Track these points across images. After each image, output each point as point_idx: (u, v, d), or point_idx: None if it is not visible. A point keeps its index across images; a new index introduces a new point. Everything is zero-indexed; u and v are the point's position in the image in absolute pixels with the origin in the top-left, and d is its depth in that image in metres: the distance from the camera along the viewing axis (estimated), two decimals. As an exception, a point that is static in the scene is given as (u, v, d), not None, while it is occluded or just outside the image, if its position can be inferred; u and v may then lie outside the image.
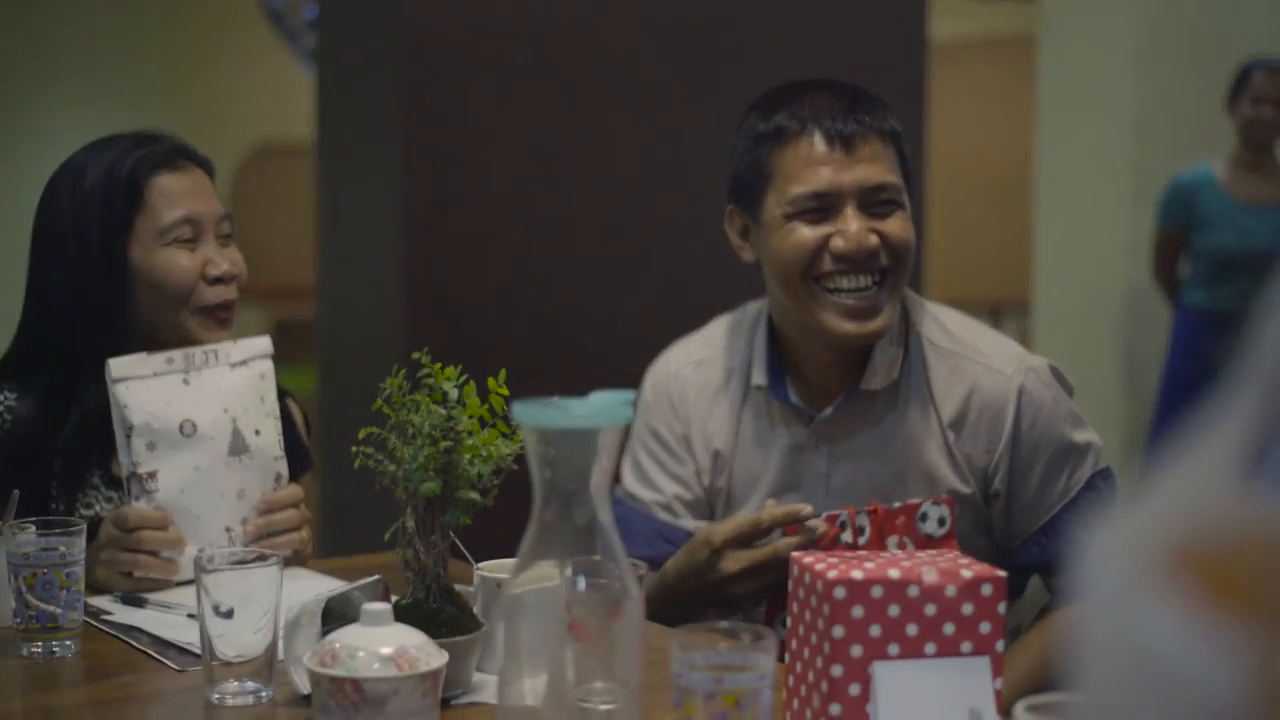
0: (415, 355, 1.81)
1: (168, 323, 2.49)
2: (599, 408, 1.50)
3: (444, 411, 1.76)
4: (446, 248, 3.66)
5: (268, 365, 2.48)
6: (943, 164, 5.18)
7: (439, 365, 1.80)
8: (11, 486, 2.20)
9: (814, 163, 2.30)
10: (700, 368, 2.50)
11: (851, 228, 2.28)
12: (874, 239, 2.29)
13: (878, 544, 2.28)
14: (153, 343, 2.45)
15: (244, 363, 2.46)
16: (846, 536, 2.28)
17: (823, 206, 2.30)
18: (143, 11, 9.09)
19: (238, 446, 2.42)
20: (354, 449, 1.81)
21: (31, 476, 2.39)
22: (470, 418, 1.78)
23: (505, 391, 1.78)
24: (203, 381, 2.42)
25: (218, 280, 2.50)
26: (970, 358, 2.36)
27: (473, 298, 3.65)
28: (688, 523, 2.46)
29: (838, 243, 2.29)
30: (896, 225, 2.31)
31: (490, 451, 1.77)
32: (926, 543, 2.29)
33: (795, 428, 2.41)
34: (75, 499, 2.46)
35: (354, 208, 3.90)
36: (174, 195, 2.48)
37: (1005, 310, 7.48)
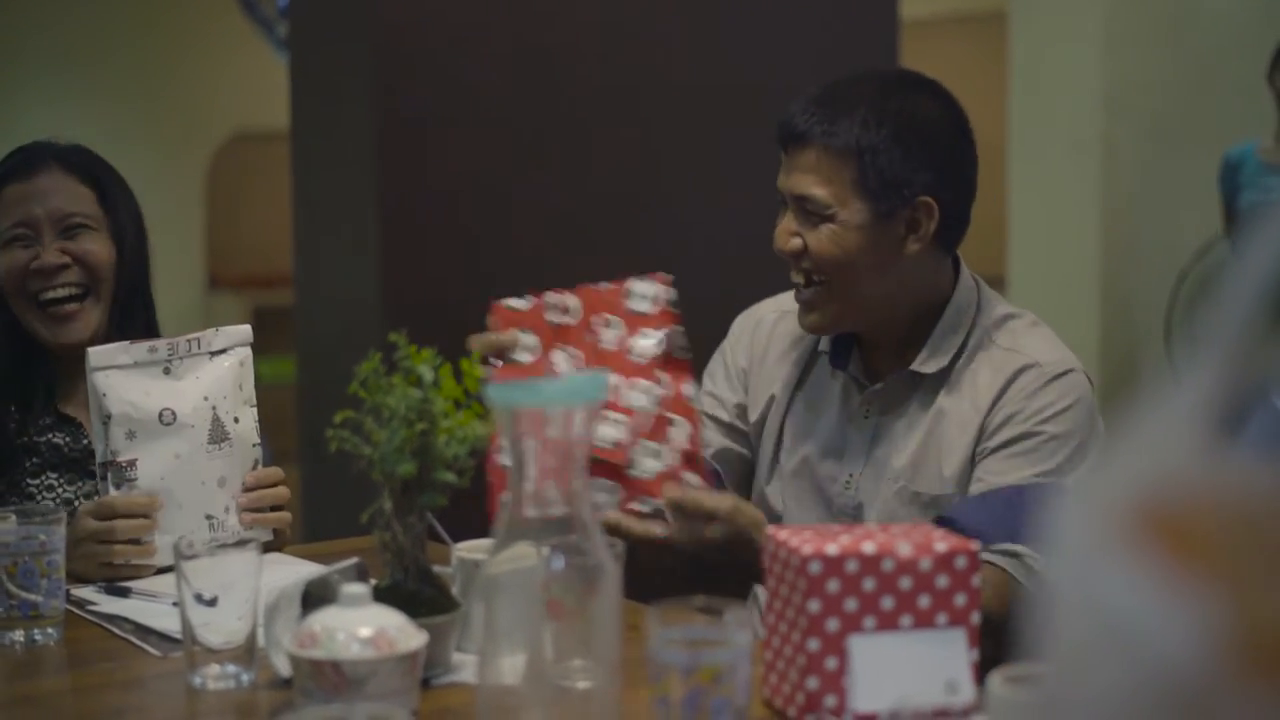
0: (392, 337, 1.81)
1: (24, 320, 2.64)
2: (571, 388, 1.52)
3: (419, 394, 1.77)
4: (423, 233, 3.66)
5: (247, 353, 2.51)
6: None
7: (414, 348, 1.81)
8: None
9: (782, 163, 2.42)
10: (783, 319, 2.58)
11: (778, 227, 2.41)
12: (795, 242, 2.38)
13: (585, 324, 2.36)
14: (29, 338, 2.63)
15: (224, 351, 2.49)
16: (553, 317, 2.37)
17: (783, 200, 2.41)
18: (114, 1, 9.07)
19: (218, 434, 2.43)
20: (329, 432, 1.82)
21: None
22: (445, 400, 1.79)
23: (479, 373, 1.79)
24: (184, 370, 2.45)
25: (39, 272, 2.61)
26: (1019, 352, 2.40)
27: (449, 282, 3.66)
28: (714, 436, 2.57)
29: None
30: (817, 238, 2.37)
31: (465, 433, 1.78)
32: (637, 319, 2.36)
33: (850, 396, 2.49)
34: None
35: (329, 195, 3.90)
36: (13, 204, 2.66)
37: (980, 287, 7.51)
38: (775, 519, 2.49)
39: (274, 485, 2.49)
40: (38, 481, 2.60)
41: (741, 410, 2.59)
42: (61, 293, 2.63)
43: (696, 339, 2.39)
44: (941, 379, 2.42)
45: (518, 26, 3.73)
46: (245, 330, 2.53)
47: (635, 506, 2.24)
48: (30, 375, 2.65)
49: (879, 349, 2.48)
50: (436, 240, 3.67)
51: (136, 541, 2.35)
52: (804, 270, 2.40)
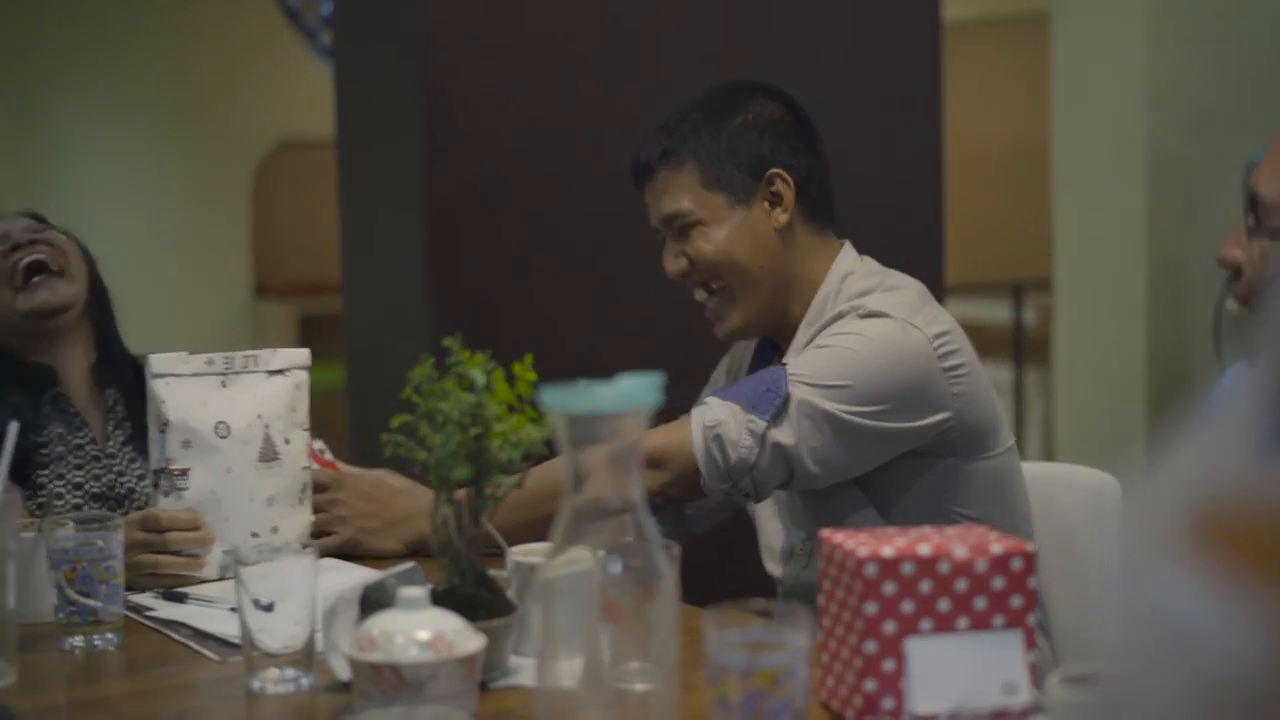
0: (446, 342, 1.82)
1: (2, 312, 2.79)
2: (627, 392, 1.52)
3: (473, 398, 1.78)
4: (469, 238, 3.67)
5: (304, 377, 2.53)
6: (959, 145, 5.18)
7: (467, 352, 1.82)
8: None
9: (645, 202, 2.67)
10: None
11: (664, 261, 2.64)
12: (680, 262, 2.60)
13: None
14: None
15: (281, 371, 2.50)
16: None
17: (659, 236, 2.67)
18: (157, 12, 9.12)
19: (268, 454, 2.45)
20: (385, 437, 1.83)
21: None
22: (498, 404, 1.80)
23: (532, 376, 1.80)
24: (240, 386, 2.47)
25: (15, 247, 2.80)
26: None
27: (496, 287, 3.67)
28: None
29: None
30: (694, 246, 2.57)
31: (519, 437, 1.79)
32: None
33: None
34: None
35: (376, 202, 3.91)
36: None
37: (1027, 290, 7.47)
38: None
39: (192, 527, 2.41)
40: (47, 473, 2.67)
41: None
42: (38, 257, 2.78)
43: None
44: None
45: (564, 32, 3.74)
46: (304, 354, 2.54)
47: None
48: (26, 378, 2.77)
49: (784, 345, 2.63)
50: (483, 246, 3.68)
51: (179, 553, 2.37)
52: (700, 284, 2.60)
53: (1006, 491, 2.57)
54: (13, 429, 2.05)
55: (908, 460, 2.49)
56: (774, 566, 2.69)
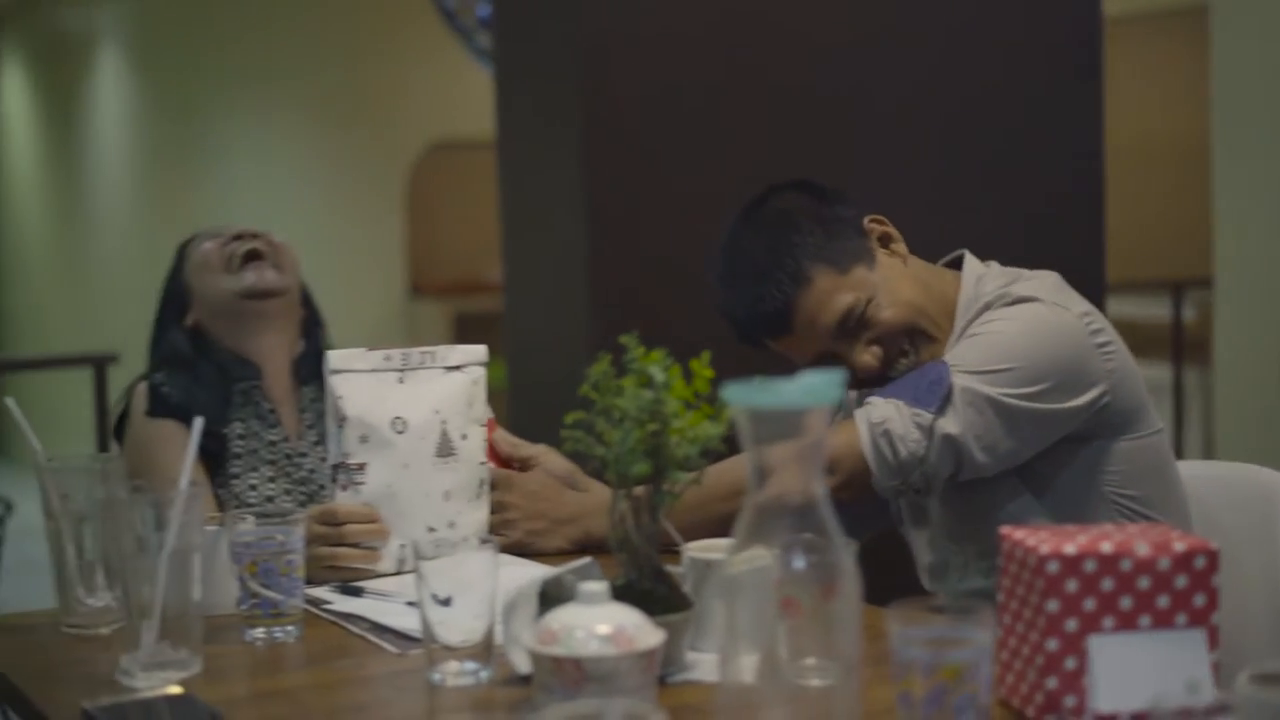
0: (622, 339, 1.84)
1: (219, 298, 2.96)
2: (810, 387, 1.53)
3: (651, 394, 1.79)
4: (630, 238, 3.69)
5: (481, 373, 2.54)
6: (1117, 140, 5.12)
7: (643, 350, 1.83)
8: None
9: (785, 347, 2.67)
10: None
11: (851, 361, 2.61)
12: (875, 350, 2.59)
13: None
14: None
15: (459, 367, 2.52)
16: None
17: (825, 357, 2.64)
18: (317, 14, 9.24)
19: (445, 449, 2.47)
20: (564, 433, 1.84)
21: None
22: (676, 400, 1.81)
23: (710, 373, 1.81)
24: (417, 381, 2.49)
25: (236, 237, 2.97)
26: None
27: (656, 288, 3.68)
28: None
29: None
30: (878, 320, 2.59)
31: (697, 433, 1.80)
32: None
33: None
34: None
35: (536, 202, 3.94)
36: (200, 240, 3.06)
37: (1187, 288, 7.37)
38: None
39: (368, 522, 2.44)
40: (240, 481, 2.72)
41: None
42: (256, 245, 2.95)
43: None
44: None
45: (725, 32, 3.75)
46: (480, 350, 2.56)
47: None
48: (225, 368, 2.93)
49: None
50: (643, 244, 3.70)
51: (356, 545, 2.41)
52: (897, 358, 2.58)
53: (1162, 473, 2.59)
54: (198, 424, 2.09)
55: (1063, 443, 2.52)
56: (931, 584, 2.70)
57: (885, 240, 2.65)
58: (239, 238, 2.97)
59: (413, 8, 8.41)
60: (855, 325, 2.56)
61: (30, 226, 13.63)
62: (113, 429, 2.96)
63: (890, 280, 2.59)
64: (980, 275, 2.63)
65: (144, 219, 11.11)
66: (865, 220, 2.64)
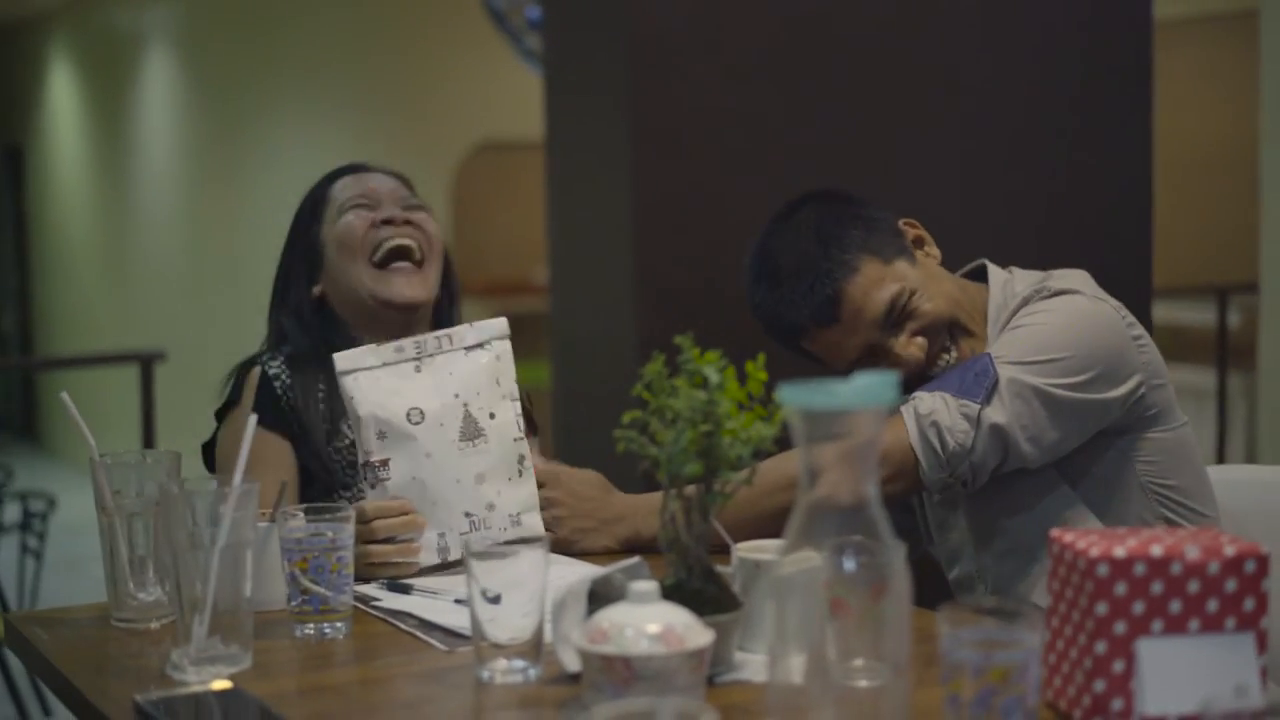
0: (677, 340, 1.84)
1: (359, 288, 2.75)
2: (864, 389, 1.53)
3: (704, 395, 1.80)
4: (677, 240, 3.70)
5: (504, 346, 2.50)
6: (1167, 146, 5.10)
7: (698, 351, 1.83)
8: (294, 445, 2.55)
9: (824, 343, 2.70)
10: None
11: (895, 352, 2.65)
12: (920, 342, 2.63)
13: None
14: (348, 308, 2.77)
15: (480, 345, 2.48)
16: None
17: (861, 357, 2.68)
18: (364, 15, 9.27)
19: (470, 431, 2.43)
20: (617, 433, 1.85)
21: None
22: (729, 401, 1.82)
23: (764, 376, 1.81)
24: (435, 367, 2.45)
25: (386, 222, 2.75)
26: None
27: (703, 289, 3.68)
28: None
29: None
30: (922, 311, 2.64)
31: (750, 434, 1.80)
32: None
33: None
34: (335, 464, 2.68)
35: (584, 203, 3.95)
36: (354, 184, 2.82)
37: (1232, 293, 7.34)
38: None
39: (400, 515, 2.41)
40: (349, 494, 2.66)
41: None
42: (406, 241, 2.76)
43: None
44: None
45: (774, 33, 3.75)
46: (500, 324, 2.52)
47: None
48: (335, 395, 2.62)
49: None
50: (690, 247, 3.70)
51: (392, 540, 2.40)
52: (938, 354, 2.62)
53: (1193, 463, 2.64)
54: (251, 421, 2.10)
55: (1099, 435, 2.55)
56: (960, 595, 2.71)
57: (919, 243, 2.70)
58: (389, 222, 2.75)
59: (462, 9, 8.43)
60: (900, 315, 2.59)
61: (78, 225, 13.72)
62: (215, 410, 2.78)
63: (930, 276, 2.64)
64: (1006, 279, 2.68)
65: (191, 217, 11.17)
66: (899, 222, 2.69)
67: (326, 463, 2.67)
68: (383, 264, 2.75)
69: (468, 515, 2.42)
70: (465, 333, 2.49)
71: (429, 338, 2.47)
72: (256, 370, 2.73)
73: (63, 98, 13.93)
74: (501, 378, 2.49)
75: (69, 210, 13.92)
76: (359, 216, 2.76)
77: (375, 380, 2.43)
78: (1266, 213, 6.42)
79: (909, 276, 2.61)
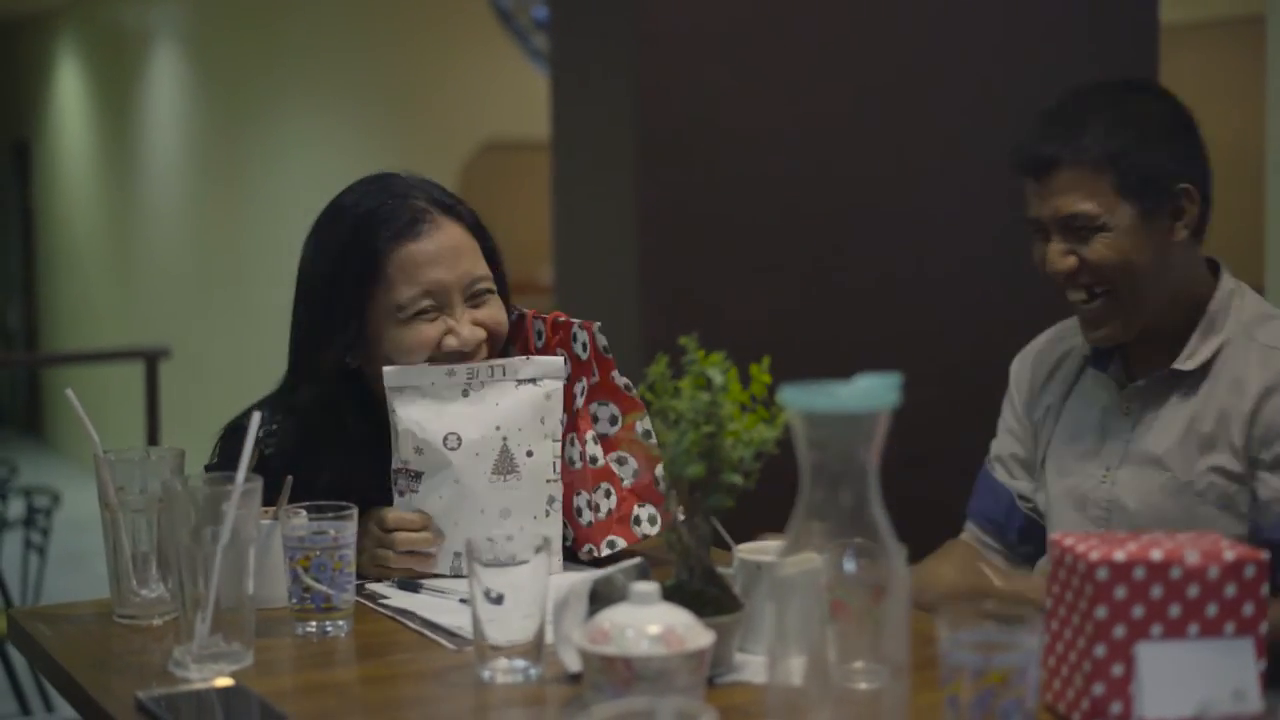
0: (682, 340, 1.85)
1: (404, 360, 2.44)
2: (866, 391, 1.54)
3: (707, 397, 1.80)
4: (682, 242, 3.70)
5: (556, 386, 2.42)
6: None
7: (703, 352, 1.84)
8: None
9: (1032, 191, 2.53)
10: (1058, 343, 2.73)
11: (1047, 252, 2.52)
12: (1069, 260, 2.49)
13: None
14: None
15: (532, 381, 2.42)
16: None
17: (1037, 227, 2.55)
18: (371, 14, 9.27)
19: (504, 466, 2.39)
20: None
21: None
22: (732, 403, 1.82)
23: (767, 378, 1.82)
24: (483, 396, 2.40)
25: (455, 351, 2.45)
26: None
27: (708, 291, 3.69)
28: (1019, 484, 2.71)
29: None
30: (1093, 249, 2.47)
31: (752, 436, 1.81)
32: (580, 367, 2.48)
33: (1110, 396, 2.59)
34: None
35: (590, 204, 3.96)
36: (413, 268, 2.43)
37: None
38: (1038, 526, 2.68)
39: (419, 529, 2.38)
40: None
41: (1035, 437, 2.71)
42: (471, 351, 2.47)
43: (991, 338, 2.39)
44: (1201, 375, 2.50)
45: (778, 34, 3.76)
46: (557, 364, 2.44)
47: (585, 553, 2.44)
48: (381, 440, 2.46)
49: (1141, 350, 2.56)
50: (695, 248, 3.71)
51: (410, 552, 2.40)
52: (1083, 286, 2.50)
53: None
54: (255, 419, 2.11)
55: None
56: None
57: (1177, 213, 2.50)
58: (462, 353, 2.46)
59: (468, 7, 8.43)
60: (1071, 231, 2.47)
61: (84, 220, 13.73)
62: (214, 451, 2.53)
63: (1140, 237, 2.47)
64: (1232, 289, 2.55)
65: (197, 214, 11.18)
66: (1184, 185, 2.49)
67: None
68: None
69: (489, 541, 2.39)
70: (520, 366, 2.42)
71: (483, 366, 2.41)
72: (257, 416, 2.32)
73: (70, 93, 13.95)
74: (547, 417, 2.42)
75: (75, 206, 13.94)
76: (432, 327, 2.45)
77: (421, 399, 2.39)
78: (1272, 217, 6.41)
79: (1121, 222, 2.45)
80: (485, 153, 9.07)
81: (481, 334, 2.46)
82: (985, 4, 3.98)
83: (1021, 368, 2.75)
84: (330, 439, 2.45)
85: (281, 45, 9.92)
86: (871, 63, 3.84)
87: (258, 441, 2.16)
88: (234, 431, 2.47)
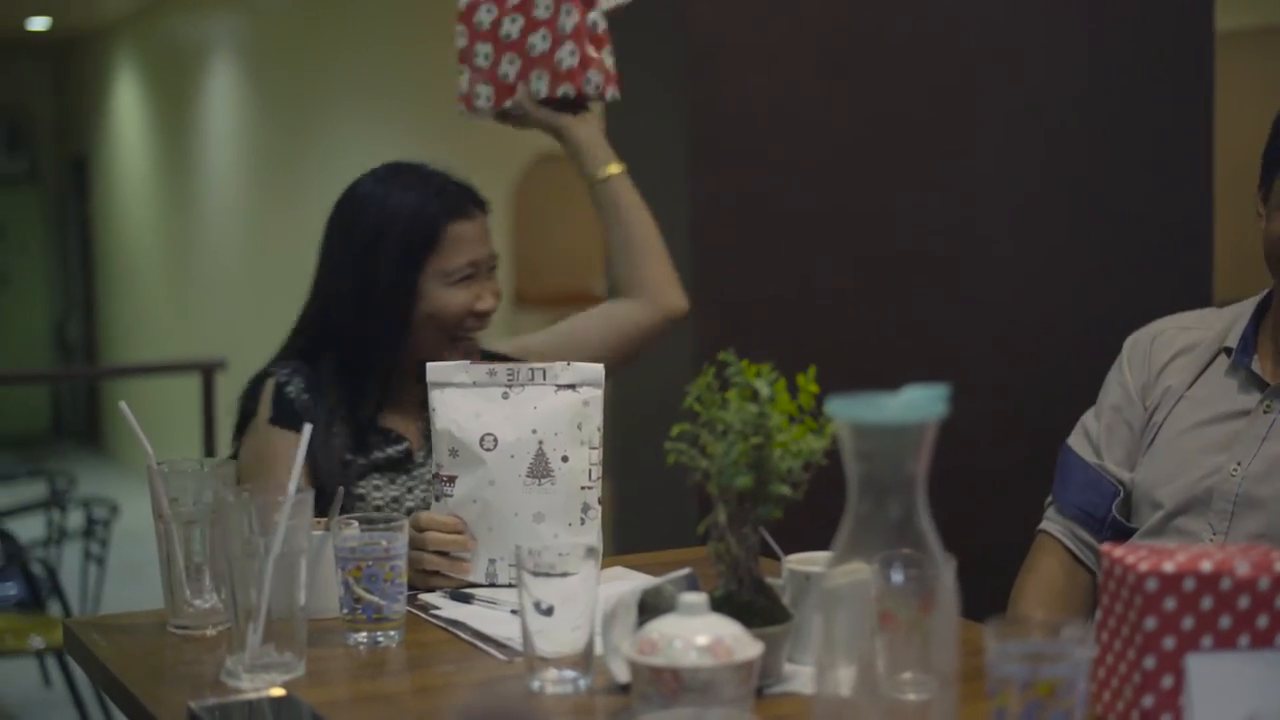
0: (722, 356, 1.85)
1: (427, 342, 2.78)
2: (914, 402, 1.54)
3: (755, 408, 1.81)
4: (733, 250, 3.70)
5: (595, 394, 2.45)
6: (1227, 159, 5.08)
7: (746, 363, 1.84)
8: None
9: None
10: (1182, 332, 2.68)
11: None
12: None
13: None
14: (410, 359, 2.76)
15: (571, 387, 2.45)
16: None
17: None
18: (425, 25, 9.30)
19: (539, 470, 2.41)
20: (668, 445, 1.86)
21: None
22: (780, 414, 1.82)
23: (815, 388, 1.82)
24: (522, 399, 2.44)
25: (484, 314, 2.83)
26: None
27: (760, 298, 3.69)
28: (1115, 469, 2.64)
29: None
30: None
31: (800, 447, 1.81)
32: None
33: (1248, 392, 2.55)
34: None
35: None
36: (463, 242, 2.82)
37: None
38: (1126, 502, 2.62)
39: (452, 532, 2.43)
40: (365, 483, 2.71)
41: (1145, 419, 2.65)
42: (482, 332, 2.88)
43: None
44: None
45: (828, 40, 3.76)
46: (597, 370, 2.47)
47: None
48: (362, 400, 2.78)
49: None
50: (747, 256, 3.71)
51: (445, 554, 2.42)
52: None
53: None
54: (306, 430, 2.12)
55: None
56: None
57: None
58: (485, 314, 2.84)
59: (521, 20, 8.45)
60: None
61: (143, 234, 13.82)
62: (235, 426, 2.81)
63: None
64: None
65: (254, 227, 11.24)
66: None
67: (329, 464, 2.69)
68: (459, 342, 2.83)
69: (518, 548, 2.40)
70: (560, 371, 2.45)
71: (524, 367, 2.46)
72: (270, 382, 2.78)
73: (128, 108, 14.04)
74: (585, 423, 2.44)
75: (134, 219, 14.03)
76: (469, 291, 2.81)
77: (462, 397, 2.45)
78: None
79: None
80: (539, 164, 9.08)
81: (497, 301, 2.85)
82: (1035, 10, 3.97)
83: (1141, 346, 2.70)
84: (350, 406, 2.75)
85: (338, 58, 9.97)
86: (920, 69, 3.84)
87: (282, 387, 2.74)
88: (257, 381, 2.84)
